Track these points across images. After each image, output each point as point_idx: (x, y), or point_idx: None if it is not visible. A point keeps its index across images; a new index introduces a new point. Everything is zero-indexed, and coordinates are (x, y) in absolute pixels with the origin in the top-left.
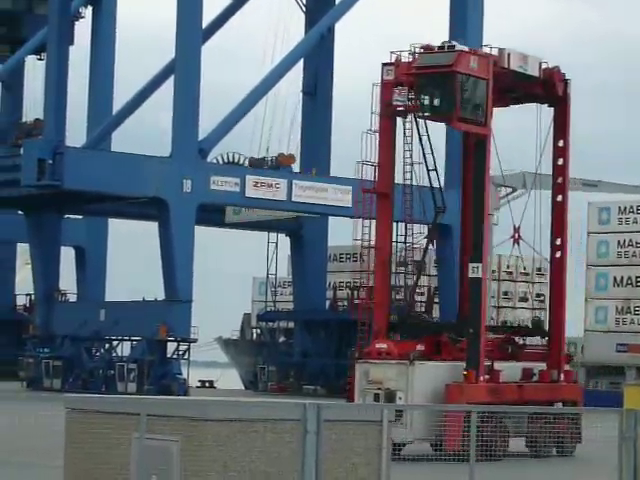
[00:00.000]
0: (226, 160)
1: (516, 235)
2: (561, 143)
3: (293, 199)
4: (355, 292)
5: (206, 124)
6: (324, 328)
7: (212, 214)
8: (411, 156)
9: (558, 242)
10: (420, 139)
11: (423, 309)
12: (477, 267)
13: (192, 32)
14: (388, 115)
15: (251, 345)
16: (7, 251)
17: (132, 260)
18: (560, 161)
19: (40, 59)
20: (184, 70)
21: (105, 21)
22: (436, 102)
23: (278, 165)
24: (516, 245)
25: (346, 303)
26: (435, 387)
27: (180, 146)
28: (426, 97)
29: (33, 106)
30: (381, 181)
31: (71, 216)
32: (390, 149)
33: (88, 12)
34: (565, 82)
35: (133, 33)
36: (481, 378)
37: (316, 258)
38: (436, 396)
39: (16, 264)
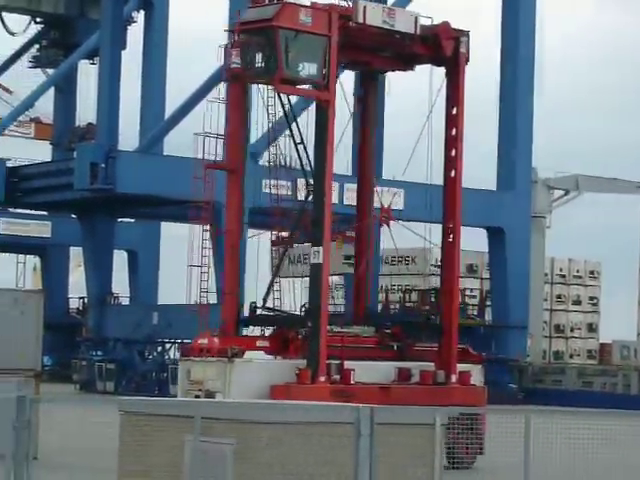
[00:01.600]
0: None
1: (384, 217)
2: (454, 111)
3: (345, 202)
4: (407, 295)
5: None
6: None
7: (262, 217)
8: (273, 128)
9: (450, 225)
10: (283, 108)
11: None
12: (318, 251)
13: None
14: (231, 80)
15: None
16: (60, 255)
17: (184, 263)
18: (453, 131)
19: (93, 63)
20: None
21: (157, 25)
22: (258, 62)
23: None
24: (385, 226)
25: (398, 306)
26: (261, 388)
27: None
28: (249, 56)
29: (86, 110)
30: (229, 155)
31: (124, 220)
32: (238, 118)
33: (140, 17)
34: (456, 40)
35: (186, 37)
36: (322, 378)
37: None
38: (262, 399)
39: (69, 267)
